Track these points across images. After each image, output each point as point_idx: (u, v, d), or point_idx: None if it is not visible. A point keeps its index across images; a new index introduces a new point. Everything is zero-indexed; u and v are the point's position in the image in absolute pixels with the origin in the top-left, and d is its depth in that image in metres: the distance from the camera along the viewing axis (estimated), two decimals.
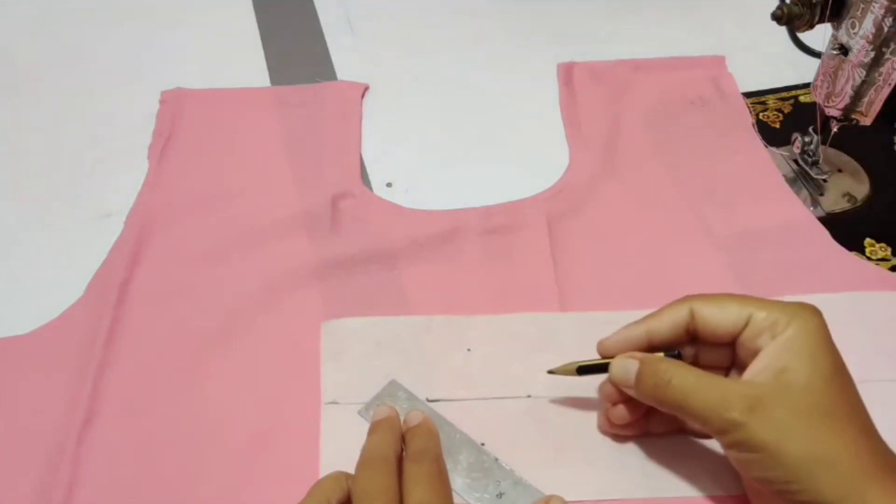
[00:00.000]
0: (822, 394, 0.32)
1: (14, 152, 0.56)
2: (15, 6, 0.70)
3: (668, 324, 0.36)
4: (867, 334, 0.42)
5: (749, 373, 0.33)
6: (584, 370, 0.38)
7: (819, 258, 0.47)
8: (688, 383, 0.33)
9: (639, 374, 0.35)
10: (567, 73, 0.61)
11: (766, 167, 0.53)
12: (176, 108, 0.58)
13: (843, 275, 0.46)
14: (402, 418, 0.37)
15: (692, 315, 0.35)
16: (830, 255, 0.47)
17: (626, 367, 0.35)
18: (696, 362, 0.37)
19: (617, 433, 0.38)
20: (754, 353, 0.33)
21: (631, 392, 0.36)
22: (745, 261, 0.47)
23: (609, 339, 0.37)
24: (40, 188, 0.53)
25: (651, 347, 0.36)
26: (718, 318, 0.35)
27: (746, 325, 0.34)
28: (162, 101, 0.58)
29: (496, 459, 0.37)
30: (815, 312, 0.34)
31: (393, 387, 0.40)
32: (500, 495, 0.36)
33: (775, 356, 0.33)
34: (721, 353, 0.36)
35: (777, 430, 0.31)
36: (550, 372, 0.39)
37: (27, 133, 0.58)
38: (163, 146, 0.55)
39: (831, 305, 0.43)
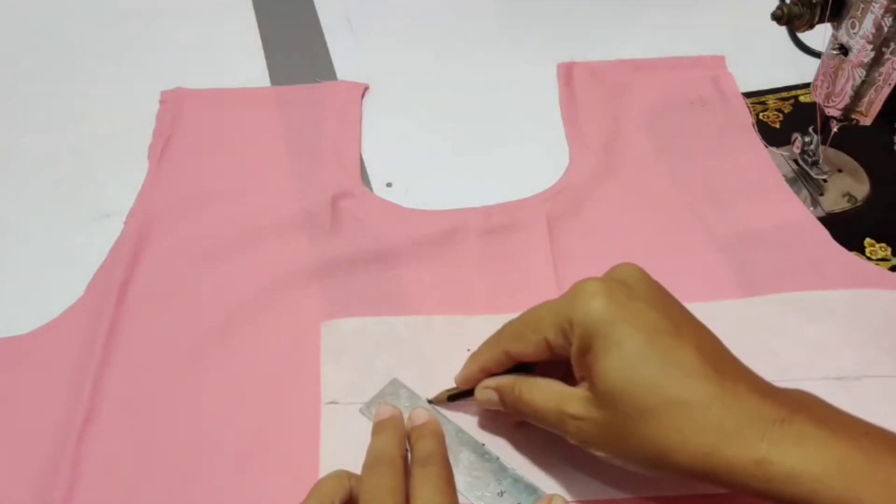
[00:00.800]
0: (636, 387, 0.30)
1: (14, 152, 0.56)
2: (15, 6, 0.70)
3: (495, 364, 0.37)
4: (867, 331, 0.42)
5: (578, 383, 0.34)
6: (453, 398, 0.39)
7: (819, 258, 0.47)
8: (533, 400, 0.34)
9: (501, 401, 0.36)
10: (567, 73, 0.61)
11: (766, 167, 0.53)
12: (176, 108, 0.58)
13: (843, 275, 0.45)
14: (404, 416, 0.37)
15: (507, 354, 0.36)
16: (830, 255, 0.47)
17: (488, 396, 0.37)
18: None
19: None
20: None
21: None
22: (745, 261, 0.47)
23: (460, 374, 0.38)
24: (40, 188, 0.53)
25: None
26: (526, 351, 0.35)
27: (549, 347, 0.34)
28: (162, 101, 0.58)
29: (497, 458, 0.37)
30: (595, 294, 0.32)
31: (394, 385, 0.40)
32: (501, 494, 0.36)
33: (578, 366, 0.33)
34: None
35: (603, 447, 0.32)
36: (430, 401, 0.39)
37: (27, 133, 0.58)
38: (163, 146, 0.55)
39: (832, 303, 0.43)
